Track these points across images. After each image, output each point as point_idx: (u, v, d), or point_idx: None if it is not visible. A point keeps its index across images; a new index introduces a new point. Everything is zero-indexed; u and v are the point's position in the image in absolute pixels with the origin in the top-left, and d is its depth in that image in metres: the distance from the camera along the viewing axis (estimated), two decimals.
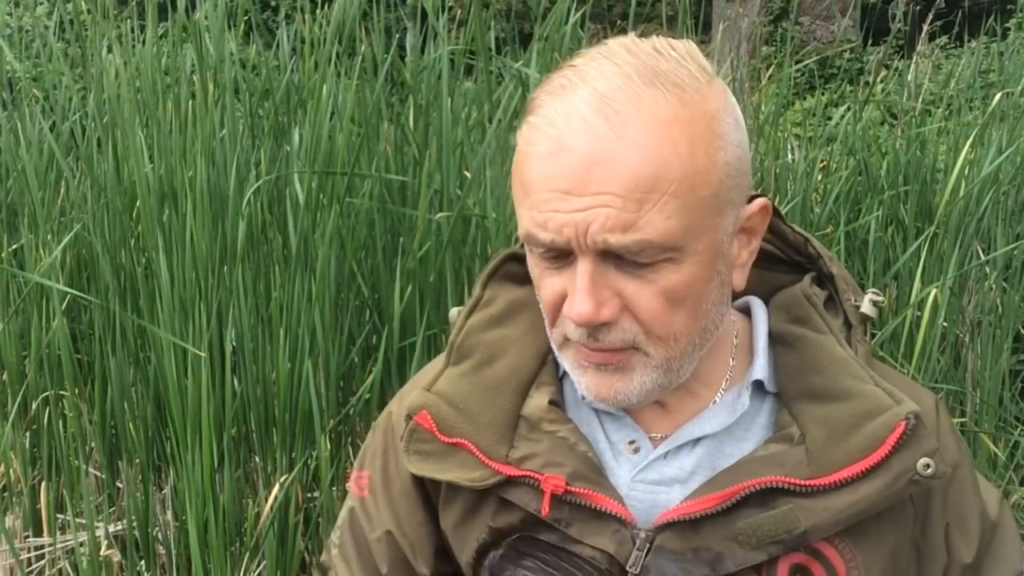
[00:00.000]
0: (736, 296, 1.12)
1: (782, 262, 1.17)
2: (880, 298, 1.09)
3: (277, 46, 3.25)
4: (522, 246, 1.21)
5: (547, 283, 1.01)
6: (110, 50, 3.04)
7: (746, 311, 1.15)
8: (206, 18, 2.91)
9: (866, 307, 1.09)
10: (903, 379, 1.13)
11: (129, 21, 3.27)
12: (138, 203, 2.72)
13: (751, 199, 1.03)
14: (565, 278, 0.98)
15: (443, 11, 2.88)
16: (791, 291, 1.12)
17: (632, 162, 0.91)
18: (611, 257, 0.95)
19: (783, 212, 1.19)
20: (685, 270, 0.96)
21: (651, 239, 0.93)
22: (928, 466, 0.99)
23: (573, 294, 0.96)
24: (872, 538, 1.02)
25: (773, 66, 4.54)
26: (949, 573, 1.07)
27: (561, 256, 0.98)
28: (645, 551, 1.01)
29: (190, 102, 2.76)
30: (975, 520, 1.08)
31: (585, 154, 0.92)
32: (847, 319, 1.09)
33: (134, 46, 3.18)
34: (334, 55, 2.88)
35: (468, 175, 2.71)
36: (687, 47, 1.00)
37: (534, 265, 1.03)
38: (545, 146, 0.95)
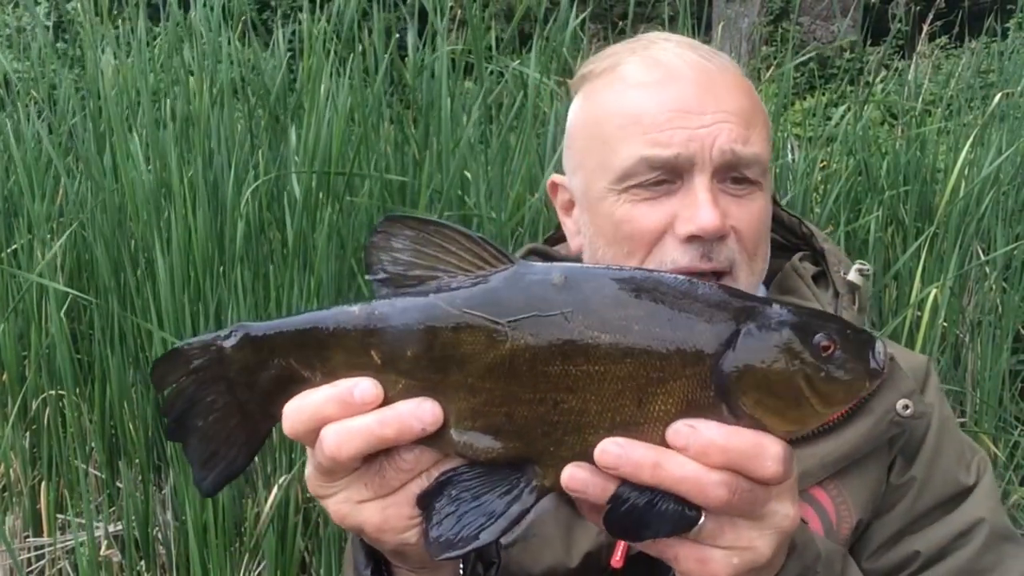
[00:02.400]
0: None
1: (783, 248, 1.25)
2: (866, 267, 1.16)
3: (275, 46, 3.25)
4: (545, 241, 1.29)
5: (643, 215, 1.06)
6: (122, 52, 3.04)
7: None
8: (205, 18, 2.91)
9: (852, 275, 1.16)
10: (896, 345, 1.20)
11: (128, 22, 3.26)
12: (138, 203, 2.71)
13: None
14: (667, 208, 1.05)
15: (441, 12, 2.88)
16: (783, 268, 1.21)
17: (736, 91, 1.07)
18: (719, 177, 1.05)
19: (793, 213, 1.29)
20: (765, 199, 1.09)
21: (761, 153, 1.06)
22: (907, 407, 1.06)
23: (693, 210, 1.03)
24: (857, 474, 1.08)
25: (773, 66, 4.54)
26: (884, 494, 1.11)
27: (669, 180, 1.05)
28: None
29: (189, 102, 2.76)
30: (927, 457, 1.11)
31: (697, 80, 1.05)
32: (836, 290, 1.16)
33: (128, 44, 3.17)
34: (332, 54, 2.88)
35: (468, 175, 2.71)
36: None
37: (623, 203, 1.06)
38: (654, 75, 1.07)
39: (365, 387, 0.72)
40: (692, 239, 1.03)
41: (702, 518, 0.70)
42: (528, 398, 0.71)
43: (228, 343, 0.76)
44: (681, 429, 0.69)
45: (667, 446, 0.70)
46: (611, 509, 0.70)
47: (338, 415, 0.72)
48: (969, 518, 1.09)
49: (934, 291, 2.80)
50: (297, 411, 0.74)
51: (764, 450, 0.69)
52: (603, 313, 0.70)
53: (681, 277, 0.72)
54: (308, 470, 0.78)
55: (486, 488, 0.72)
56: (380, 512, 0.75)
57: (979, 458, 1.14)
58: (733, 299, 0.71)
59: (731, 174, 1.05)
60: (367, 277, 0.75)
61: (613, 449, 0.69)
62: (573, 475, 0.70)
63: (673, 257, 1.04)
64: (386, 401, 0.72)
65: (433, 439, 0.72)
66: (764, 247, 1.10)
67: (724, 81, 1.06)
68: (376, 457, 0.74)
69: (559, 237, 1.22)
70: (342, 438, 0.72)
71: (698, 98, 1.04)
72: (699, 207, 1.02)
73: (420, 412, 0.71)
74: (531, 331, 0.70)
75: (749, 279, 1.07)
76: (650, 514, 0.69)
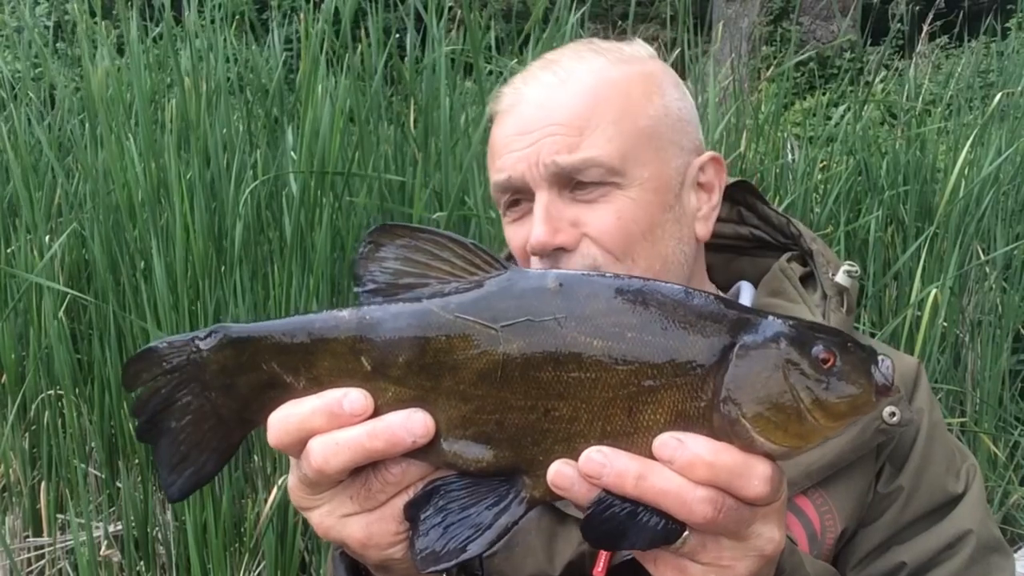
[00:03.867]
0: (731, 283, 1.21)
1: (771, 247, 1.24)
2: (855, 268, 1.14)
3: (272, 45, 3.25)
4: None
5: (513, 235, 1.11)
6: (119, 51, 3.04)
7: (737, 295, 1.20)
8: (200, 17, 2.91)
9: (840, 277, 1.14)
10: (885, 347, 1.17)
11: (129, 20, 3.26)
12: (135, 204, 2.71)
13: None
14: (526, 227, 1.08)
15: (439, 13, 2.88)
16: (771, 269, 1.19)
17: (572, 98, 1.05)
18: (565, 189, 1.06)
19: (782, 211, 1.26)
20: (634, 195, 1.06)
21: (595, 156, 1.04)
22: (894, 414, 1.04)
23: (530, 228, 1.05)
24: (843, 483, 1.07)
25: (773, 66, 4.54)
26: (872, 503, 1.10)
27: (523, 200, 1.08)
28: None
29: (186, 102, 2.76)
30: (915, 466, 1.10)
31: (536, 100, 1.07)
32: (824, 292, 1.14)
33: (121, 44, 3.17)
34: (325, 54, 2.87)
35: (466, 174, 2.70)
36: (640, 42, 1.15)
37: (505, 225, 1.12)
38: (506, 104, 1.10)
39: (354, 398, 0.70)
40: (538, 255, 1.05)
41: (685, 532, 0.68)
42: (520, 405, 0.69)
43: (205, 344, 0.74)
44: (668, 441, 0.67)
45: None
46: (591, 515, 0.68)
47: (326, 427, 0.70)
48: (957, 529, 1.07)
49: (934, 291, 2.80)
50: (283, 422, 0.71)
51: (752, 469, 0.67)
52: (597, 320, 0.68)
53: (677, 287, 0.70)
54: (291, 481, 0.76)
55: (474, 499, 0.70)
56: (365, 527, 0.73)
57: (968, 465, 1.12)
58: (729, 310, 0.69)
59: (572, 182, 1.05)
60: (355, 290, 0.72)
61: (596, 458, 0.67)
62: (560, 471, 0.68)
63: None
64: (375, 410, 0.70)
65: (422, 449, 0.70)
66: (640, 245, 1.06)
67: (563, 91, 1.06)
68: (362, 470, 0.72)
69: None
70: (329, 451, 0.70)
71: (529, 118, 1.06)
72: (532, 225, 1.05)
73: (411, 424, 0.69)
74: (524, 336, 0.68)
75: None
76: (630, 524, 0.67)
